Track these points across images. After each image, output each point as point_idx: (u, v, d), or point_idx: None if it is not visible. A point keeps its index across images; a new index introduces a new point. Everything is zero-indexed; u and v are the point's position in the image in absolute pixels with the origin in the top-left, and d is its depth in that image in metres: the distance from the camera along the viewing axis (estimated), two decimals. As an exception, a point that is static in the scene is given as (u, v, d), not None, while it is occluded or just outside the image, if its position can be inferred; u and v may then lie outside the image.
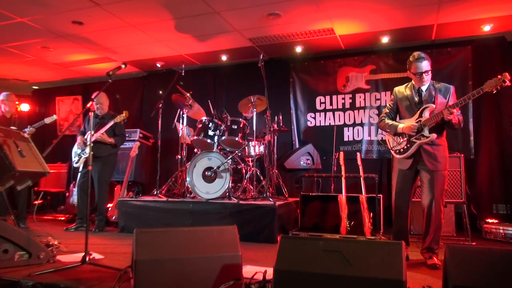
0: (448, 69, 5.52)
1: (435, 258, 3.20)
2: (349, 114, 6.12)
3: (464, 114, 5.40)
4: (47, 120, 5.18)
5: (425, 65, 3.26)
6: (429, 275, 2.93)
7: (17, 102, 5.42)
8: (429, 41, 5.67)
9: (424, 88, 3.34)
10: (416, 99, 3.36)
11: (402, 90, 3.50)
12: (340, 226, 4.14)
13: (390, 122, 3.49)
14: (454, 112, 3.09)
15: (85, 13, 4.82)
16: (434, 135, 3.18)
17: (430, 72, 3.29)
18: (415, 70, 3.29)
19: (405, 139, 3.35)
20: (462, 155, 4.49)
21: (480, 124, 5.41)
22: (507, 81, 2.84)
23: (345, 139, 6.09)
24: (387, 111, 3.58)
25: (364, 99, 6.03)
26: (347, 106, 6.13)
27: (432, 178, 3.23)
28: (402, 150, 3.38)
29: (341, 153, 4.49)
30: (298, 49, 6.07)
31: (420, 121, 3.24)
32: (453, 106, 3.08)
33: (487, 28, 5.15)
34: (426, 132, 3.21)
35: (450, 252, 2.06)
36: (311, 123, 6.35)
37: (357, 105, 6.07)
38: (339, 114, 6.18)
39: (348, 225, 4.12)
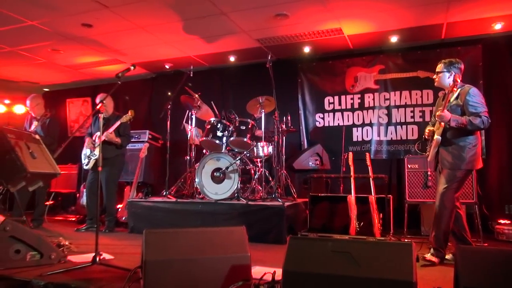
0: (458, 68, 5.47)
1: (434, 258, 3.25)
2: (358, 114, 6.08)
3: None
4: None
5: (439, 66, 3.47)
6: (440, 276, 2.91)
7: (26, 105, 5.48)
8: (439, 40, 5.62)
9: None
10: (442, 104, 3.44)
11: (440, 97, 3.64)
12: (349, 226, 4.12)
13: (427, 127, 3.67)
14: (446, 116, 3.18)
15: (94, 16, 4.86)
16: (438, 138, 3.31)
17: (439, 75, 3.45)
18: None
19: (429, 143, 3.55)
20: (473, 155, 4.43)
21: (491, 124, 5.30)
22: (456, 83, 3.21)
23: (354, 139, 6.06)
24: (432, 118, 3.74)
25: (373, 99, 5.99)
26: (356, 106, 6.10)
27: (443, 176, 3.31)
28: (427, 152, 3.57)
29: (350, 154, 4.48)
30: (306, 50, 6.06)
31: None
32: (441, 110, 3.23)
33: (497, 26, 5.08)
34: (435, 136, 3.35)
35: (461, 253, 2.03)
36: (319, 123, 6.33)
37: (366, 105, 6.03)
38: (347, 114, 6.14)
39: (357, 226, 4.10)
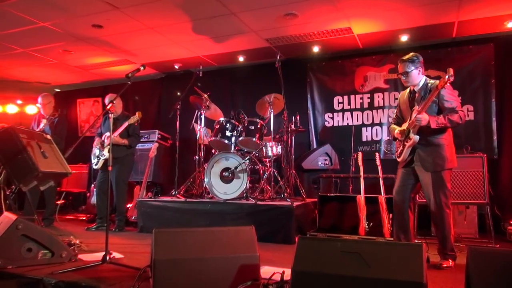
0: (469, 67, 5.40)
1: (450, 261, 3.18)
2: (368, 114, 6.04)
3: (486, 113, 5.31)
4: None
5: (401, 67, 3.28)
6: (450, 278, 2.87)
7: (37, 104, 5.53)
8: (450, 39, 5.55)
9: (416, 89, 3.32)
10: (409, 101, 3.36)
11: (403, 94, 3.52)
12: (358, 227, 4.10)
13: (392, 127, 3.55)
14: (424, 119, 3.04)
15: (104, 17, 4.91)
16: (416, 137, 3.17)
17: (409, 74, 3.24)
18: (398, 70, 3.35)
19: (400, 143, 3.40)
20: (485, 155, 4.37)
21: (503, 123, 5.26)
22: (451, 77, 2.89)
23: (364, 139, 6.02)
24: (394, 116, 3.63)
25: (383, 99, 5.95)
26: (365, 106, 6.06)
27: (429, 179, 3.20)
28: (399, 154, 3.42)
29: (359, 154, 4.45)
30: (315, 49, 6.03)
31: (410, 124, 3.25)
32: (419, 112, 3.07)
33: (510, 24, 5.01)
34: (411, 134, 3.22)
35: (472, 254, 2.01)
36: (328, 123, 6.30)
37: (376, 104, 5.99)
38: (357, 114, 6.11)
39: (366, 226, 4.07)
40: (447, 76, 2.88)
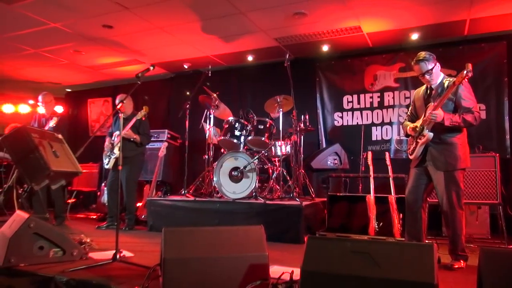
0: (481, 65, 5.32)
1: (461, 261, 3.14)
2: (377, 113, 6.00)
3: (499, 112, 5.24)
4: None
5: (423, 66, 3.20)
6: (462, 279, 2.84)
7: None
8: (461, 37, 5.49)
9: (434, 86, 3.28)
10: (425, 98, 3.32)
11: (418, 91, 3.49)
12: (368, 227, 4.07)
13: (406, 123, 3.50)
14: (440, 115, 3.00)
15: (114, 17, 4.94)
16: (429, 134, 3.13)
17: (432, 71, 3.19)
18: (416, 72, 3.30)
19: (413, 139, 3.36)
20: (497, 154, 4.31)
21: (516, 122, 5.19)
22: (470, 72, 2.81)
23: (373, 138, 5.98)
24: (408, 113, 3.59)
25: (393, 98, 5.91)
26: (375, 105, 6.02)
27: (442, 179, 3.15)
28: (411, 151, 3.37)
29: (369, 153, 4.42)
30: (325, 48, 6.01)
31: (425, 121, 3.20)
32: (435, 108, 3.03)
33: (523, 22, 4.94)
34: (425, 131, 3.17)
35: (484, 255, 1.98)
36: (338, 122, 6.27)
37: (386, 103, 5.95)
38: (366, 113, 6.07)
39: (376, 226, 4.05)
40: (465, 72, 2.80)
